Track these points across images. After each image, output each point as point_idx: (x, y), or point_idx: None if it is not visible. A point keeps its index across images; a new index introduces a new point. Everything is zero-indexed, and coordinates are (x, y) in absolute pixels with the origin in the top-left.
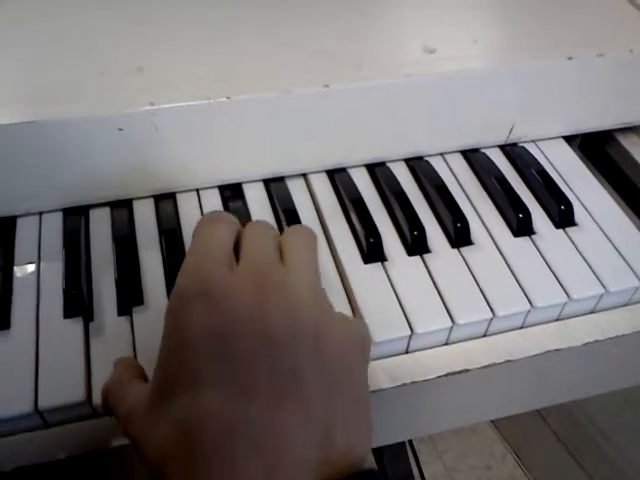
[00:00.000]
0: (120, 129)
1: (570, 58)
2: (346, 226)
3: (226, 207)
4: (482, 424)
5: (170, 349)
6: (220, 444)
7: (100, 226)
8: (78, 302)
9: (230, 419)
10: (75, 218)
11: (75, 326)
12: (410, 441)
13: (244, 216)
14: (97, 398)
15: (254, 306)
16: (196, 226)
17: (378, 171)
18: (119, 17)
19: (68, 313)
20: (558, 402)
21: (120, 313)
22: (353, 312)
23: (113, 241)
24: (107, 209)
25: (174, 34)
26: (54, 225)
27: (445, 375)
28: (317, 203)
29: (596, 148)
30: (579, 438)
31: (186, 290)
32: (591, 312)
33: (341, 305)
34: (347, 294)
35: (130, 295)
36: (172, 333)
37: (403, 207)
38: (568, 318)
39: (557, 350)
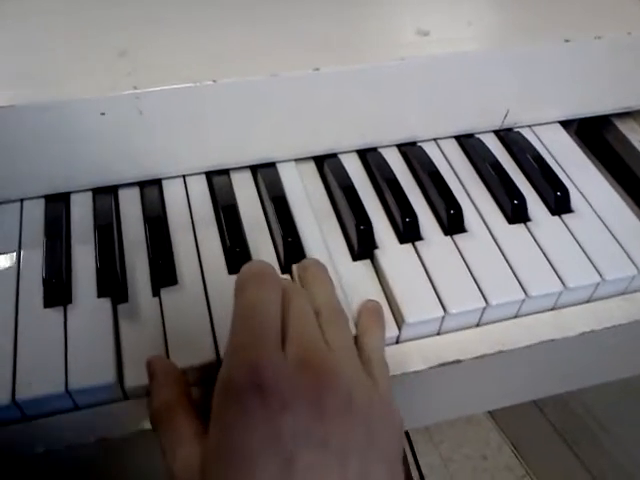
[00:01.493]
0: (102, 113)
1: (567, 40)
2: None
3: (212, 194)
4: (478, 414)
5: (220, 452)
6: None
7: (83, 213)
8: (58, 290)
9: None
10: (57, 205)
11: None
12: (406, 432)
13: (232, 204)
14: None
15: (313, 407)
16: (240, 283)
17: (370, 157)
18: (102, 1)
19: (48, 302)
20: (554, 393)
21: (100, 295)
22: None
23: (95, 229)
24: (90, 195)
25: (159, 17)
26: (36, 212)
27: (437, 366)
28: (307, 190)
29: (593, 133)
30: (576, 429)
31: (239, 384)
32: (587, 301)
33: None
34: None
35: (112, 283)
36: (225, 423)
37: (395, 194)
38: (564, 307)
39: (552, 340)
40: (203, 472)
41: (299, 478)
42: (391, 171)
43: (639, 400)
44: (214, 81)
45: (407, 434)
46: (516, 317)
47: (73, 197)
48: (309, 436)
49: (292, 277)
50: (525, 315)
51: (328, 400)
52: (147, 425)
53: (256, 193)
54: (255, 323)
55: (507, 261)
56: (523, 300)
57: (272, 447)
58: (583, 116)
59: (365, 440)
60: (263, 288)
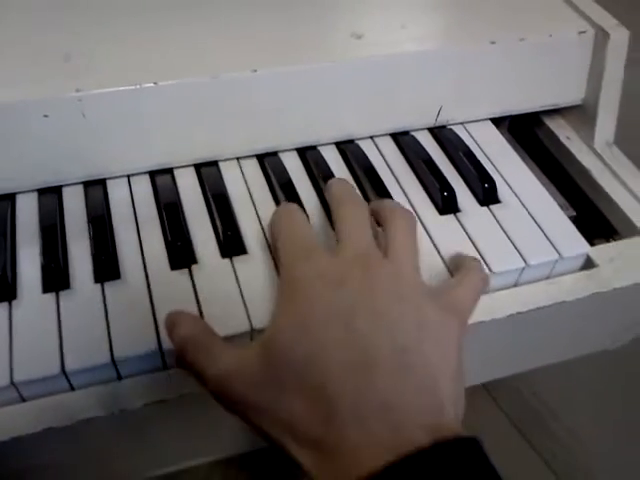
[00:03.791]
0: (45, 115)
1: (493, 42)
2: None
3: (156, 193)
4: None
5: (291, 326)
6: (354, 407)
7: (28, 213)
8: (3, 286)
9: (358, 386)
10: (2, 205)
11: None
12: None
13: (175, 200)
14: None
15: (368, 291)
16: (273, 220)
17: (308, 155)
18: (47, 4)
19: None
20: (493, 377)
21: (45, 291)
22: None
23: (40, 230)
24: (35, 196)
25: (102, 21)
26: None
27: None
28: (249, 187)
29: (524, 130)
30: (529, 418)
31: (302, 275)
32: (514, 285)
33: None
34: None
35: (55, 277)
36: (293, 310)
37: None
38: (492, 292)
39: (481, 322)
40: (264, 355)
41: (358, 340)
42: (328, 168)
43: (586, 386)
44: (155, 83)
45: None
46: None
47: (19, 197)
48: (363, 306)
49: None
50: None
51: (380, 284)
52: (92, 412)
53: (200, 190)
54: (297, 233)
55: (437, 250)
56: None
57: (333, 315)
58: (513, 113)
59: (415, 320)
60: (291, 210)
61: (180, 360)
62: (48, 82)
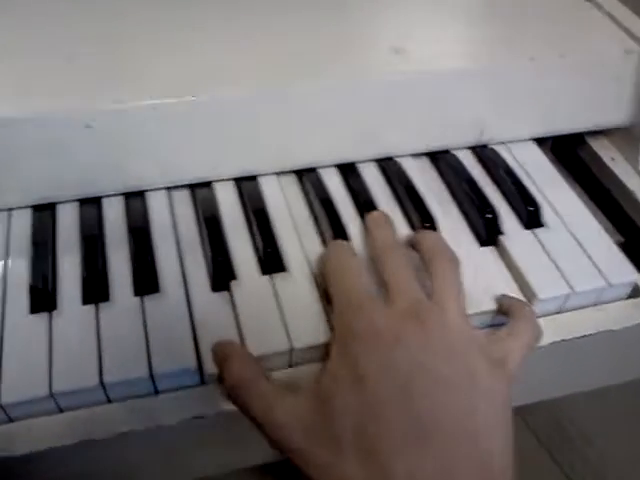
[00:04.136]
0: (88, 126)
1: (532, 59)
2: (313, 228)
3: (195, 206)
4: None
5: (347, 384)
6: (409, 475)
7: (68, 223)
8: (44, 297)
9: (414, 453)
10: (44, 215)
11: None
12: None
13: (215, 215)
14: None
15: (422, 350)
16: (326, 263)
17: (349, 172)
18: (87, 15)
19: (34, 308)
20: (530, 402)
21: (85, 302)
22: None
23: (81, 240)
24: (76, 206)
25: (141, 33)
26: (23, 221)
27: None
28: (288, 203)
29: (567, 151)
30: (560, 440)
31: (358, 329)
32: (557, 312)
33: None
34: None
35: (94, 289)
36: (349, 365)
37: (368, 209)
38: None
39: None
40: (318, 407)
41: (414, 400)
42: (367, 188)
43: (621, 411)
44: (194, 97)
45: None
46: (490, 327)
47: (59, 207)
48: (420, 366)
49: None
50: (496, 325)
51: (434, 339)
52: (128, 426)
53: (239, 204)
54: (352, 283)
55: (480, 275)
56: (494, 311)
57: (390, 373)
58: (556, 134)
59: (469, 378)
60: (345, 254)
61: (231, 399)
62: (90, 93)
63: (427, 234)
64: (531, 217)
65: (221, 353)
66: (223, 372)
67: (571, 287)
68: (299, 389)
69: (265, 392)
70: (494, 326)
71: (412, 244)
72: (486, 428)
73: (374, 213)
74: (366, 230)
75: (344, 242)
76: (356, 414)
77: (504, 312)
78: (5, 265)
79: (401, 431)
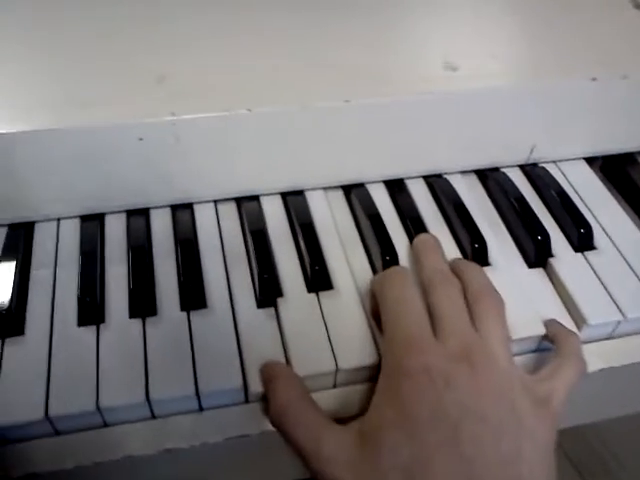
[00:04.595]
0: (140, 139)
1: (594, 79)
2: (360, 245)
3: (241, 219)
4: None
5: (395, 423)
6: None
7: (116, 234)
8: (92, 309)
9: None
10: (92, 225)
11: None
12: None
13: (262, 228)
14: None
15: (473, 394)
16: (381, 285)
17: (396, 188)
18: (141, 25)
19: (82, 321)
20: (569, 425)
21: (132, 316)
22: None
23: (128, 249)
24: (124, 217)
25: (196, 43)
26: (71, 231)
27: None
28: (334, 218)
29: (617, 170)
30: (593, 464)
31: (410, 368)
32: (608, 338)
33: None
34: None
35: (142, 303)
36: (398, 403)
37: (415, 227)
38: (585, 343)
39: None
40: (365, 444)
41: (463, 445)
42: (415, 204)
43: None
44: (249, 110)
45: None
46: (535, 351)
47: (108, 218)
48: (469, 410)
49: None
50: (543, 350)
51: (483, 383)
52: (173, 443)
53: (286, 219)
54: (407, 318)
55: (529, 298)
56: (542, 336)
57: (440, 417)
58: (608, 153)
59: (515, 421)
60: (404, 285)
61: (275, 424)
62: (143, 105)
63: (473, 271)
64: (582, 239)
65: (267, 374)
66: (269, 393)
67: (622, 313)
68: (348, 427)
69: (312, 422)
70: (540, 350)
71: (455, 272)
72: (530, 472)
73: (422, 236)
74: (414, 253)
75: (404, 269)
76: (404, 456)
77: (550, 339)
78: (54, 274)
79: (450, 476)
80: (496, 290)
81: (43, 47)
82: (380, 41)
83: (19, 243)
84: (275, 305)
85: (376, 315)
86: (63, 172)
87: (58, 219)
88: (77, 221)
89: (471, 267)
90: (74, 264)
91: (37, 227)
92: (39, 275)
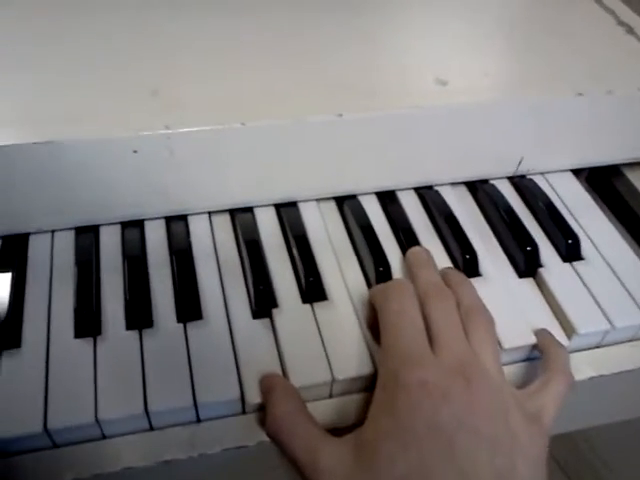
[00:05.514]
0: (135, 151)
1: (580, 94)
2: (353, 255)
3: (235, 230)
4: None
5: (391, 435)
6: None
7: (111, 245)
8: (89, 321)
9: None
10: (87, 236)
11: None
12: None
13: (256, 239)
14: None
15: (469, 408)
16: (380, 295)
17: (388, 199)
18: (136, 38)
19: (78, 333)
20: (558, 432)
21: (128, 328)
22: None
23: (124, 260)
24: (118, 228)
25: (190, 56)
26: (66, 243)
27: None
28: (327, 229)
29: (603, 181)
30: (581, 467)
31: (407, 380)
32: (596, 347)
33: None
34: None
35: (138, 315)
36: (394, 415)
37: (407, 238)
38: (573, 352)
39: None
40: (362, 455)
41: (459, 458)
42: (407, 216)
43: None
44: (243, 124)
45: None
46: (525, 361)
47: (102, 229)
48: (464, 424)
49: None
50: (532, 359)
51: (478, 398)
52: (171, 454)
53: (279, 230)
54: (407, 331)
55: (519, 307)
56: (532, 345)
57: (436, 429)
58: (594, 165)
59: (509, 436)
60: (406, 298)
61: (272, 435)
62: (138, 118)
63: (464, 288)
64: (570, 250)
65: (266, 385)
66: (267, 404)
67: (611, 323)
68: (344, 439)
69: (309, 434)
70: (530, 360)
71: (447, 284)
72: None
73: (415, 249)
74: (407, 266)
75: (407, 283)
76: (400, 467)
77: (540, 350)
78: (50, 286)
79: None
80: (486, 308)
81: (37, 61)
82: (372, 56)
83: (14, 255)
84: (270, 316)
85: (373, 326)
86: (58, 185)
87: (53, 231)
88: (72, 233)
89: (462, 283)
90: (69, 276)
91: (32, 239)
92: (35, 288)
